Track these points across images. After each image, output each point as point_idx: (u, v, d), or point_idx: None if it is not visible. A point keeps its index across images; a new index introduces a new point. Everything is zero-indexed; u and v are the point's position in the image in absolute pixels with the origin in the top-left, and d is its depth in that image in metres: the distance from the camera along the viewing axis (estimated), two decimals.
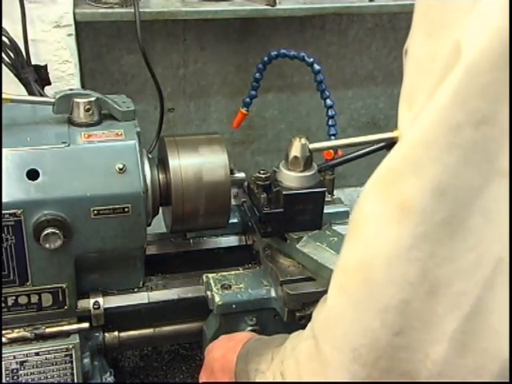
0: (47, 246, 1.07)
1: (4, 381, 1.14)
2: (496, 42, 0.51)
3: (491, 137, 0.53)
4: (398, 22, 2.20)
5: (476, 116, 0.53)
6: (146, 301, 1.25)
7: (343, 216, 1.45)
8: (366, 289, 0.61)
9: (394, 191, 0.58)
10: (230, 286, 1.20)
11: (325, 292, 1.19)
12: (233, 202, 1.30)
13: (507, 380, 0.57)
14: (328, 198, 1.40)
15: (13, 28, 1.58)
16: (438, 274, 0.57)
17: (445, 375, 0.59)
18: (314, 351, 0.69)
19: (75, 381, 1.19)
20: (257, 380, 0.88)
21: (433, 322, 0.58)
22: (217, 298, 1.18)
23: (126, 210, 1.11)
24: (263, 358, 0.89)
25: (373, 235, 0.60)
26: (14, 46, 1.54)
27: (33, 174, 1.07)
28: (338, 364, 0.64)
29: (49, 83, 1.65)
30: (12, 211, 1.06)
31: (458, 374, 0.58)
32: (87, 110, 1.16)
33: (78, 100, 1.16)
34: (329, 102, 1.43)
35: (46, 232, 1.06)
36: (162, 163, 1.24)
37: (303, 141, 1.18)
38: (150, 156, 1.23)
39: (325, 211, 1.24)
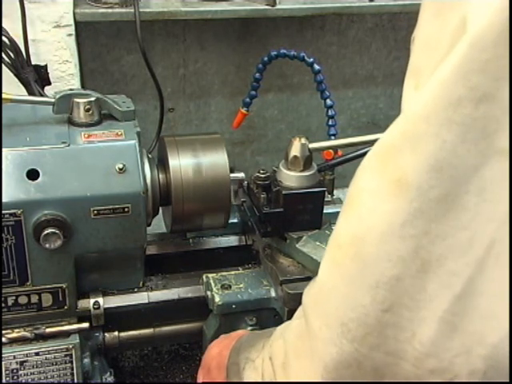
0: (47, 246, 1.07)
1: (4, 381, 1.14)
2: (500, 19, 0.50)
3: (491, 115, 0.52)
4: (398, 22, 2.20)
5: (476, 92, 0.52)
6: (146, 301, 1.25)
7: None
8: (358, 263, 0.60)
9: (391, 166, 0.58)
10: (230, 286, 1.20)
11: None
12: (233, 201, 1.30)
13: (495, 365, 0.56)
14: (328, 197, 1.40)
15: (13, 28, 1.58)
16: (430, 251, 0.56)
17: (431, 356, 0.58)
18: (304, 328, 0.68)
19: (75, 381, 1.19)
20: (246, 369, 0.87)
21: (422, 300, 0.57)
22: (217, 298, 1.18)
23: (126, 210, 1.11)
24: (254, 347, 0.89)
25: (367, 210, 0.59)
26: (14, 46, 1.53)
27: (33, 174, 1.07)
28: (326, 339, 0.63)
29: (49, 83, 1.65)
30: (12, 211, 1.06)
31: (445, 356, 0.57)
32: (87, 110, 1.16)
33: (77, 100, 1.16)
34: (329, 102, 1.43)
35: (45, 232, 1.06)
36: (161, 163, 1.24)
37: (303, 141, 1.18)
38: (150, 156, 1.23)
39: (325, 211, 1.24)
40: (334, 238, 0.65)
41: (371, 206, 0.59)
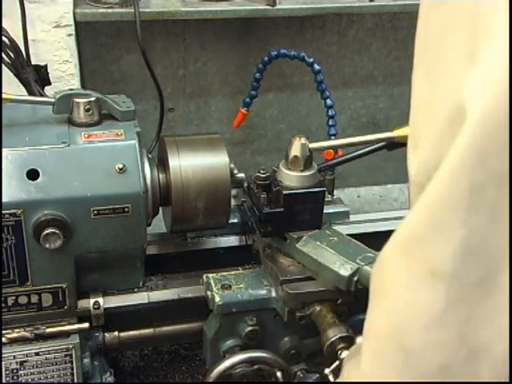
0: (47, 245, 1.07)
1: (4, 381, 1.14)
2: (501, 102, 0.51)
3: None
4: (398, 22, 2.20)
5: (495, 175, 0.53)
6: (146, 301, 1.25)
7: (343, 216, 1.45)
8: (402, 355, 0.60)
9: (420, 256, 0.58)
10: (230, 286, 1.20)
11: (325, 292, 1.20)
12: (233, 202, 1.30)
13: None
14: (328, 197, 1.40)
15: (13, 28, 1.57)
16: (475, 336, 0.56)
17: None
18: None
19: (75, 381, 1.19)
20: None
21: None
22: (217, 298, 1.18)
23: (126, 210, 1.11)
24: None
25: (404, 301, 0.60)
26: (13, 46, 1.53)
27: (33, 174, 1.07)
28: None
29: (49, 83, 1.65)
30: (12, 211, 1.06)
31: None
32: (87, 110, 1.16)
33: (78, 100, 1.16)
34: (329, 102, 1.43)
35: (45, 232, 1.06)
36: (162, 163, 1.24)
37: (303, 140, 1.18)
38: (150, 156, 1.23)
39: (325, 211, 1.24)
40: (371, 329, 0.65)
41: (408, 298, 0.59)
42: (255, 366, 1.19)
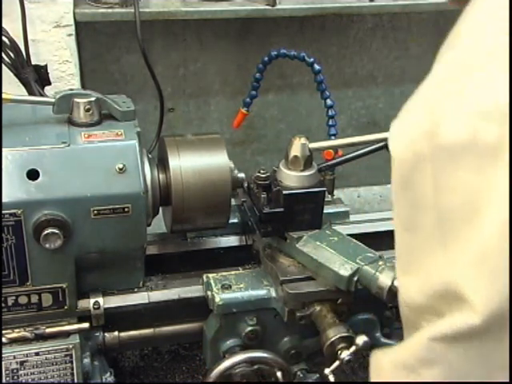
0: (47, 246, 1.07)
1: (4, 381, 1.14)
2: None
3: None
4: (398, 22, 2.20)
5: None
6: (146, 301, 1.25)
7: (343, 216, 1.45)
8: None
9: None
10: (230, 286, 1.20)
11: (325, 292, 1.20)
12: (233, 202, 1.30)
13: None
14: (328, 197, 1.40)
15: (13, 28, 1.57)
16: None
17: None
18: None
19: (75, 381, 1.19)
20: None
21: None
22: (217, 298, 1.18)
23: (126, 210, 1.11)
24: None
25: None
26: (13, 46, 1.53)
27: (33, 174, 1.07)
28: None
29: (49, 83, 1.65)
30: (12, 211, 1.06)
31: None
32: (87, 110, 1.16)
33: (78, 100, 1.16)
34: (329, 102, 1.43)
35: (45, 232, 1.06)
36: (162, 163, 1.24)
37: (303, 140, 1.18)
38: (150, 156, 1.23)
39: (325, 211, 1.24)
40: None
41: None
42: (255, 366, 1.19)
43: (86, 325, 1.19)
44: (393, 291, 1.07)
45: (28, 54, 1.61)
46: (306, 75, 1.94)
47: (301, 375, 1.28)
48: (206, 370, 1.29)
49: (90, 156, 1.11)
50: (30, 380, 1.17)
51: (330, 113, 1.44)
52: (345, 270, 1.13)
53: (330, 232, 1.23)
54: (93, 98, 1.17)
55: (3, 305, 1.13)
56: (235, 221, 1.42)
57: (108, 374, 1.28)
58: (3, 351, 1.14)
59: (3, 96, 1.12)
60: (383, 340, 1.31)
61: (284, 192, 1.17)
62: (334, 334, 1.12)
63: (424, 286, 0.64)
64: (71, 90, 1.23)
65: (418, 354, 0.66)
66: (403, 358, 0.68)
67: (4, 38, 1.51)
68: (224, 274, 1.24)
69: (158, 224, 1.32)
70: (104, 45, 1.98)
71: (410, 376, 0.67)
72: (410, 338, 0.67)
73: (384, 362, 0.71)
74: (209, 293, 1.20)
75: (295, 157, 1.18)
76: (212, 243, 1.43)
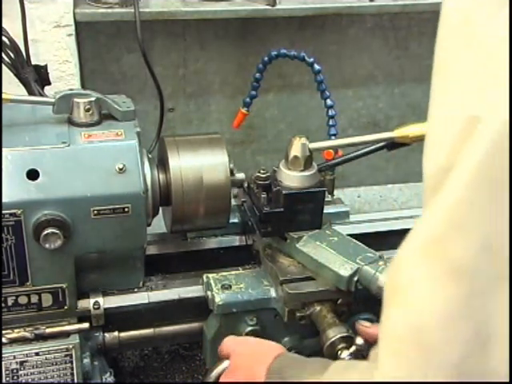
0: (47, 246, 1.07)
1: (4, 381, 1.14)
2: None
3: None
4: (398, 22, 2.20)
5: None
6: (146, 301, 1.25)
7: (343, 216, 1.45)
8: (423, 353, 0.61)
9: (441, 255, 0.59)
10: (230, 286, 1.20)
11: (325, 292, 1.20)
12: (233, 202, 1.30)
13: None
14: (328, 197, 1.40)
15: (13, 28, 1.57)
16: (489, 326, 0.58)
17: None
18: None
19: (75, 381, 1.19)
20: None
21: (486, 377, 0.59)
22: (217, 298, 1.18)
23: (126, 210, 1.11)
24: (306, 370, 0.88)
25: (423, 299, 0.61)
26: (13, 46, 1.53)
27: (33, 174, 1.07)
28: None
29: (49, 83, 1.64)
30: (12, 211, 1.06)
31: None
32: (87, 110, 1.16)
33: (78, 100, 1.16)
34: (329, 102, 1.43)
35: (45, 232, 1.06)
36: (162, 163, 1.24)
37: (303, 140, 1.18)
38: (149, 156, 1.23)
39: (325, 211, 1.24)
40: (389, 330, 0.66)
41: (426, 295, 0.61)
42: None
43: (85, 325, 1.19)
44: None
45: (28, 53, 1.61)
46: (306, 75, 1.94)
47: None
48: (206, 370, 1.29)
49: (90, 156, 1.11)
50: (30, 380, 1.17)
51: (330, 113, 1.44)
52: (345, 270, 1.13)
53: (330, 232, 1.23)
54: (93, 98, 1.17)
55: (3, 305, 1.13)
56: (235, 221, 1.42)
57: (108, 374, 1.28)
58: (3, 351, 1.14)
59: (3, 96, 1.12)
60: None
61: (284, 192, 1.17)
62: (334, 334, 1.12)
63: None
64: (71, 89, 1.23)
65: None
66: (430, 230, 0.62)
67: (4, 38, 1.51)
68: (224, 274, 1.24)
69: (158, 224, 1.32)
70: (104, 45, 1.98)
71: (439, 250, 0.61)
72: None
73: (404, 246, 0.65)
74: (209, 293, 1.20)
75: (295, 157, 1.18)
76: (212, 243, 1.43)
